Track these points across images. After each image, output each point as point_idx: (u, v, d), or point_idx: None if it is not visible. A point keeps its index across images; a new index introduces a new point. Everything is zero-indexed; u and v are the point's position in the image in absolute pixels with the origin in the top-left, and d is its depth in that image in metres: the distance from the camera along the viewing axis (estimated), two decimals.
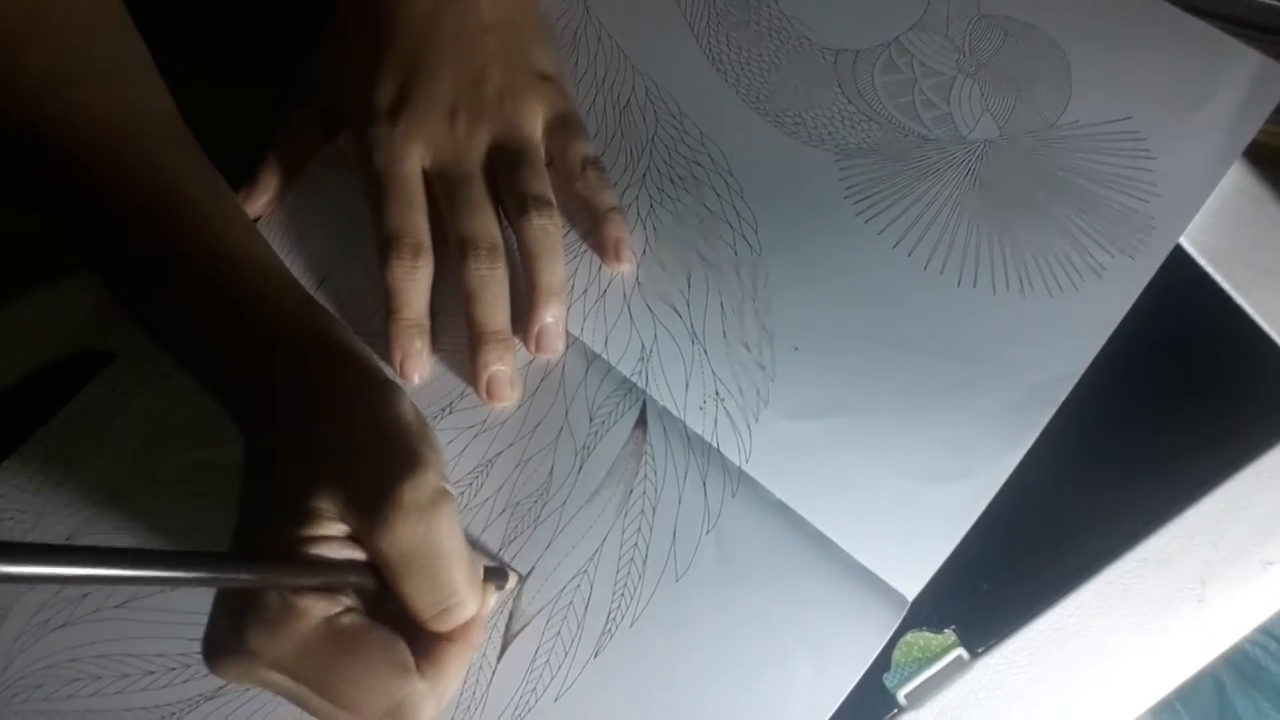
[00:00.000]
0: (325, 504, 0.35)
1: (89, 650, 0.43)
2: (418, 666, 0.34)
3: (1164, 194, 0.48)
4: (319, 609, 0.33)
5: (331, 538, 0.35)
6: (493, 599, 0.38)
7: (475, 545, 0.43)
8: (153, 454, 0.47)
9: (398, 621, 0.35)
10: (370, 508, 0.34)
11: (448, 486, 0.36)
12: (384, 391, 0.38)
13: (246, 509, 0.37)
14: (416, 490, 0.34)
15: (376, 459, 0.36)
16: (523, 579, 0.43)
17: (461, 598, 0.36)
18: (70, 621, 0.44)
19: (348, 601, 0.35)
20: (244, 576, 0.31)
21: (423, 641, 0.35)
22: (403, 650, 0.34)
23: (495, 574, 0.41)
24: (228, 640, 0.34)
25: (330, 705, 0.34)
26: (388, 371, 0.46)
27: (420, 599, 0.35)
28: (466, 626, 0.36)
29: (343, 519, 0.35)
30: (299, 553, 0.34)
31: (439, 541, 0.35)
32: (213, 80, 0.48)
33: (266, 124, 0.51)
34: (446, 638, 0.36)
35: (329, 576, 0.34)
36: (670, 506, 0.44)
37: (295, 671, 0.33)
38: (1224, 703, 0.75)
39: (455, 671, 0.36)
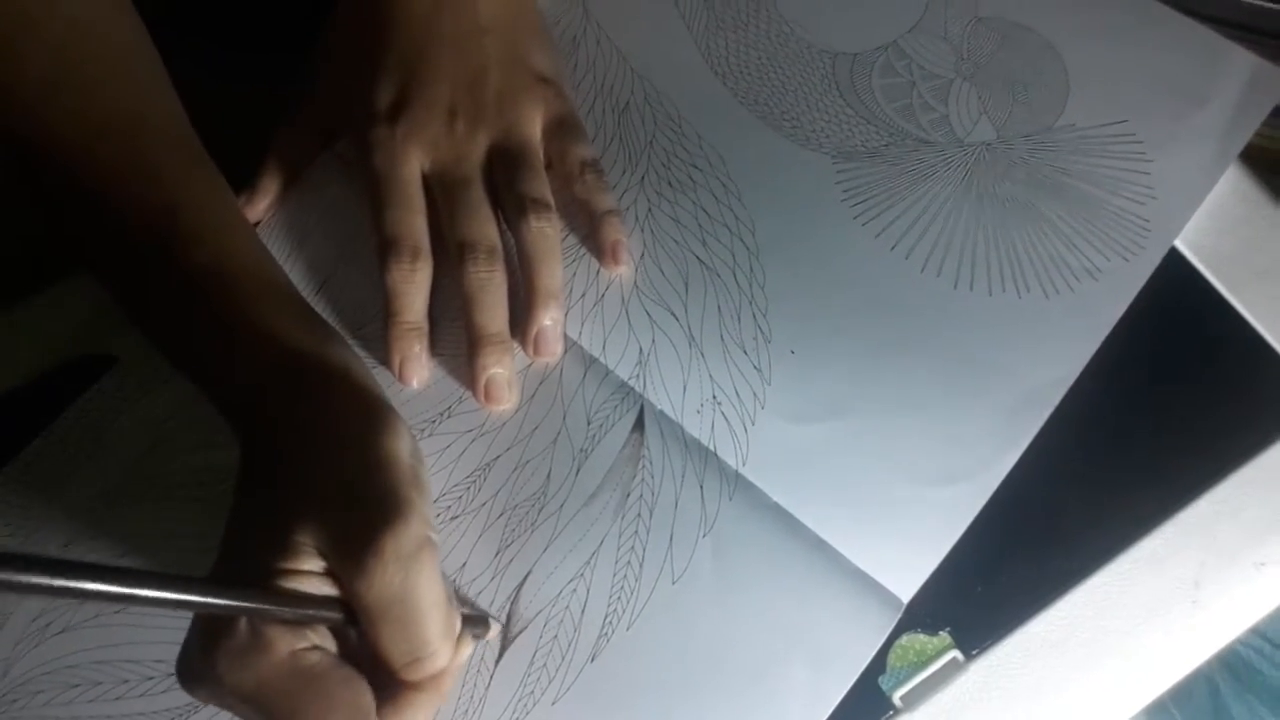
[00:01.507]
0: (306, 539, 0.35)
1: (88, 656, 0.44)
2: (381, 712, 0.34)
3: (1160, 196, 0.48)
4: (286, 642, 0.33)
5: (309, 572, 0.35)
6: (467, 650, 0.37)
7: (459, 596, 0.43)
8: (154, 458, 0.47)
9: (368, 662, 0.35)
10: (351, 552, 0.34)
11: (432, 534, 0.36)
12: (378, 423, 0.37)
13: (232, 528, 0.37)
14: (399, 540, 0.34)
15: (362, 501, 0.35)
16: (504, 627, 0.43)
17: (434, 649, 0.35)
18: (70, 627, 0.44)
19: (315, 638, 0.35)
20: (216, 602, 0.30)
21: (390, 687, 0.35)
22: (365, 694, 0.34)
23: (475, 622, 0.40)
24: (197, 663, 0.34)
25: None
26: (386, 378, 0.46)
27: (393, 647, 0.35)
28: (436, 677, 0.36)
29: (322, 556, 0.35)
30: (274, 584, 0.34)
31: (417, 593, 0.34)
32: (212, 83, 0.48)
33: (266, 127, 0.51)
34: (414, 686, 0.35)
35: (302, 611, 0.34)
36: (667, 509, 0.44)
37: (257, 702, 0.33)
38: (1217, 704, 0.76)
39: None
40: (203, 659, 0.34)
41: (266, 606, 0.32)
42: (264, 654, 0.33)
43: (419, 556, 0.34)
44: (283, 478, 0.37)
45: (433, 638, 0.35)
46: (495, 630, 0.43)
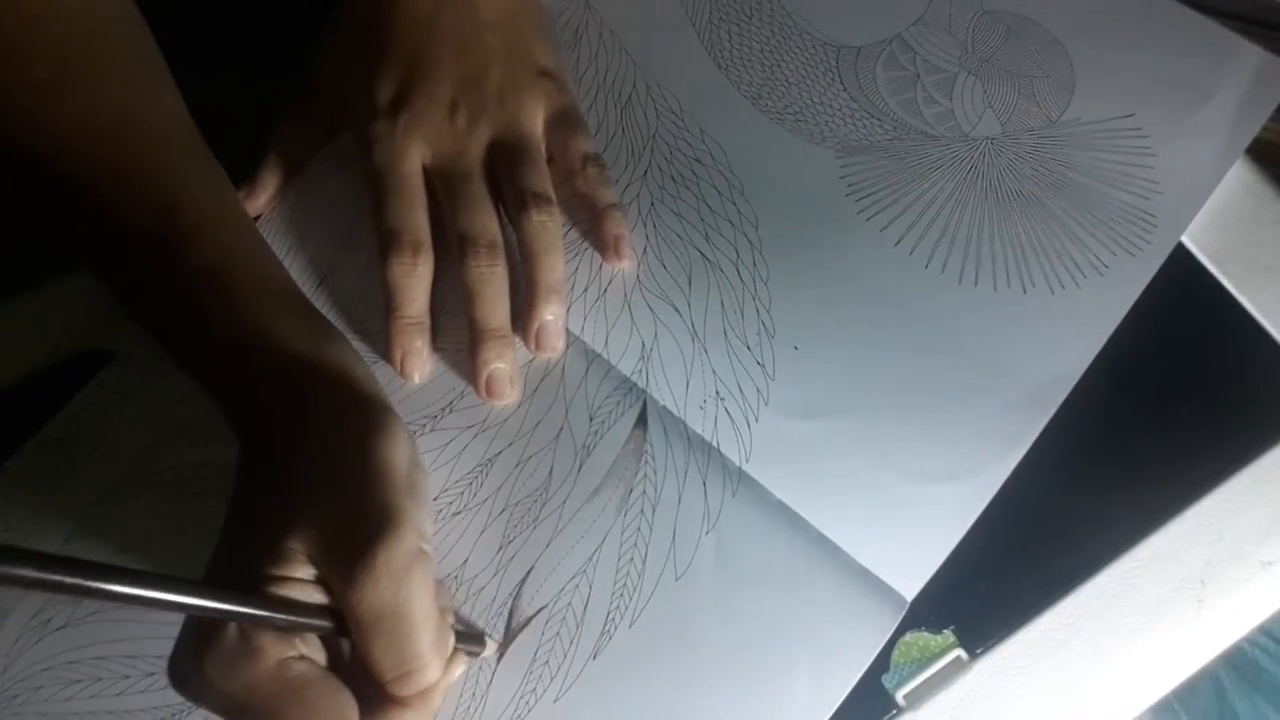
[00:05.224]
0: (298, 546, 0.34)
1: (89, 652, 0.43)
2: None
3: (1166, 191, 0.48)
4: (275, 650, 0.33)
5: (301, 580, 0.34)
6: (459, 669, 0.37)
7: (456, 614, 0.42)
8: (152, 454, 0.47)
9: (357, 674, 0.35)
10: (343, 562, 0.34)
11: (426, 546, 0.35)
12: (376, 428, 0.37)
13: (226, 530, 0.37)
14: (391, 552, 0.34)
15: (356, 510, 0.35)
16: (502, 646, 0.42)
17: (424, 663, 0.35)
18: (70, 623, 0.44)
19: (304, 648, 0.34)
20: (206, 605, 0.30)
21: (377, 701, 0.35)
22: (349, 707, 0.34)
23: (471, 639, 0.40)
24: (187, 665, 0.34)
25: None
26: (387, 373, 0.46)
27: (383, 659, 0.34)
28: (424, 694, 0.35)
29: (314, 564, 0.34)
30: (266, 590, 0.34)
31: (408, 606, 0.34)
32: (213, 76, 0.47)
33: (267, 120, 0.51)
34: (401, 703, 0.35)
35: (293, 618, 0.33)
36: (670, 506, 0.44)
37: (242, 708, 0.33)
38: (1223, 703, 0.75)
39: None
40: (192, 661, 0.34)
41: (257, 612, 0.32)
42: (252, 661, 0.33)
43: (411, 569, 0.34)
44: (278, 482, 0.37)
45: (423, 650, 0.35)
46: (492, 648, 0.42)
